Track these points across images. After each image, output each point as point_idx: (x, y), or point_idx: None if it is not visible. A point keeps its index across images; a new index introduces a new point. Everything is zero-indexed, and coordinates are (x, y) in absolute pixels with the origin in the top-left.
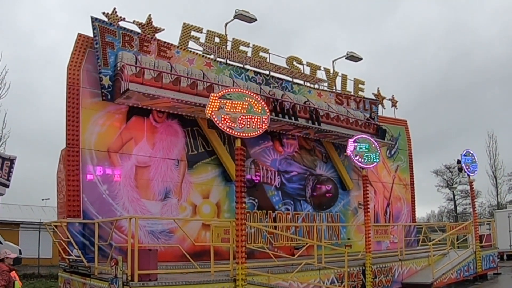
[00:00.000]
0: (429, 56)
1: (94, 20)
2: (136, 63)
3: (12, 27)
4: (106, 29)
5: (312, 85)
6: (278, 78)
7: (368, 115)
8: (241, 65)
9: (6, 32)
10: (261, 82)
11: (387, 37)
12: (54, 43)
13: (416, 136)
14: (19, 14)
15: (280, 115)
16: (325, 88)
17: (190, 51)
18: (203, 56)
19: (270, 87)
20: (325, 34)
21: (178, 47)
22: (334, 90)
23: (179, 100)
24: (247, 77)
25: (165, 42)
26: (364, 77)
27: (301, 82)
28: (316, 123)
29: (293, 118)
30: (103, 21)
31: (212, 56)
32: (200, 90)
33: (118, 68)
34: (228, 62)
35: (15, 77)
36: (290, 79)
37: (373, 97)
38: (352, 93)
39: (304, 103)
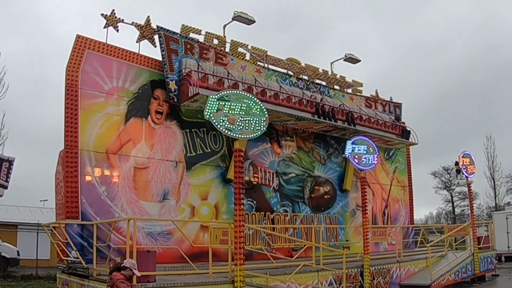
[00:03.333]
0: (455, 53)
1: (159, 29)
2: (198, 69)
3: (31, 18)
4: (170, 37)
5: (345, 90)
6: (317, 83)
7: (393, 117)
8: (285, 71)
9: (26, 24)
10: (302, 87)
11: (418, 32)
12: (72, 34)
13: (424, 136)
14: (38, 4)
15: (321, 117)
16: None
17: (243, 59)
18: (253, 63)
19: (310, 91)
20: (357, 28)
21: (232, 54)
22: (364, 95)
23: None
24: (291, 83)
25: (221, 50)
26: (390, 74)
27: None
28: (352, 124)
29: (332, 120)
30: (167, 30)
31: (262, 64)
32: (254, 94)
33: (184, 74)
34: (274, 68)
35: (32, 71)
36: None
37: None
38: (379, 97)
39: (339, 106)
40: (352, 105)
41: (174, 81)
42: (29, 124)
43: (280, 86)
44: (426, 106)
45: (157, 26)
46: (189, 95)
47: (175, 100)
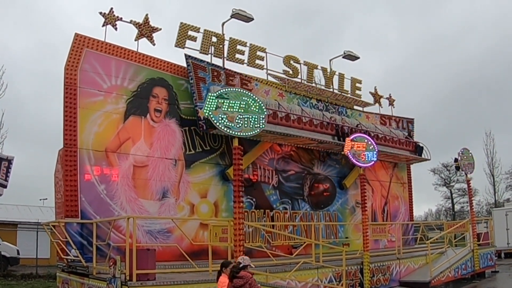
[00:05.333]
0: (470, 46)
1: (187, 57)
2: None
3: (41, 12)
4: (198, 65)
5: (361, 108)
6: (335, 104)
7: (406, 133)
8: (306, 94)
9: (36, 18)
10: (322, 108)
11: (436, 26)
12: (83, 29)
13: (427, 132)
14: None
15: (341, 139)
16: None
17: (266, 83)
18: (276, 87)
19: (329, 112)
20: (375, 21)
21: (256, 79)
22: (379, 112)
23: (267, 130)
24: (311, 105)
25: (246, 76)
26: (403, 68)
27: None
28: None
29: None
30: (195, 58)
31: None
32: (279, 120)
33: None
34: (295, 91)
35: (42, 67)
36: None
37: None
38: (392, 114)
39: (357, 126)
40: (368, 124)
41: (203, 109)
42: (36, 121)
43: (302, 109)
44: (437, 100)
45: (185, 55)
46: None
47: (205, 128)
